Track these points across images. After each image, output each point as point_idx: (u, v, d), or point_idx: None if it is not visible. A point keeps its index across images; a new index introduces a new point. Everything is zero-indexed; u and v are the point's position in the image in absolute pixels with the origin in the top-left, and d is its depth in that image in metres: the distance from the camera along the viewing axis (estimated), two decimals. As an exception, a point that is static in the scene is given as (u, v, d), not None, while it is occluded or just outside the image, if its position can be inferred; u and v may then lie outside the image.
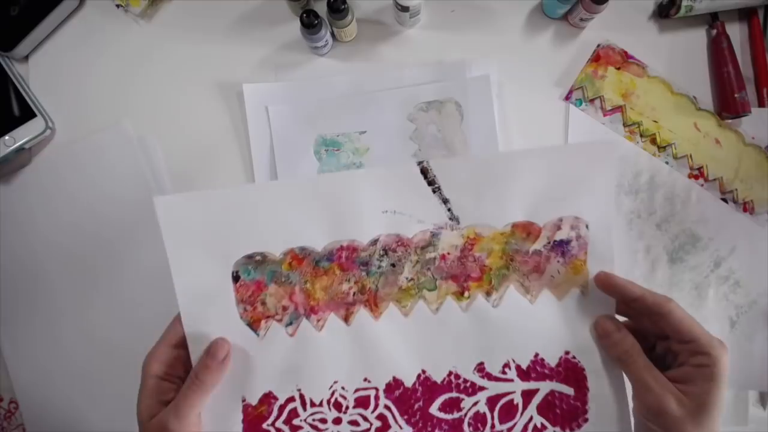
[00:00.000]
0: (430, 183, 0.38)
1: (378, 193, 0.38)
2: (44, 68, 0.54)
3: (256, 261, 0.38)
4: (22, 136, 0.51)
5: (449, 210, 0.39)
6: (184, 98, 0.54)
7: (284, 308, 0.39)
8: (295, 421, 0.39)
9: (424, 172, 0.38)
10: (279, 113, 0.52)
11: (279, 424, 0.39)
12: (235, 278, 0.38)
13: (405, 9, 0.49)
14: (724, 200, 0.53)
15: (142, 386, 0.37)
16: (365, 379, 0.40)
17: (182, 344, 0.38)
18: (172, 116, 0.54)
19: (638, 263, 0.52)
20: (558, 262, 0.39)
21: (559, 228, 0.39)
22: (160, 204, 0.37)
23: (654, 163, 0.53)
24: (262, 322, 0.39)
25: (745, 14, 0.53)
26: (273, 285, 0.39)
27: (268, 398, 0.39)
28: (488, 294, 0.40)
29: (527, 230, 0.39)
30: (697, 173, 0.53)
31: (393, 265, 0.39)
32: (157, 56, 0.54)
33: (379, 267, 0.39)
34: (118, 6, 0.53)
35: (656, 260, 0.52)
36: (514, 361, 0.40)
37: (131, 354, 0.52)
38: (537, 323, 0.40)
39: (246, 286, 0.38)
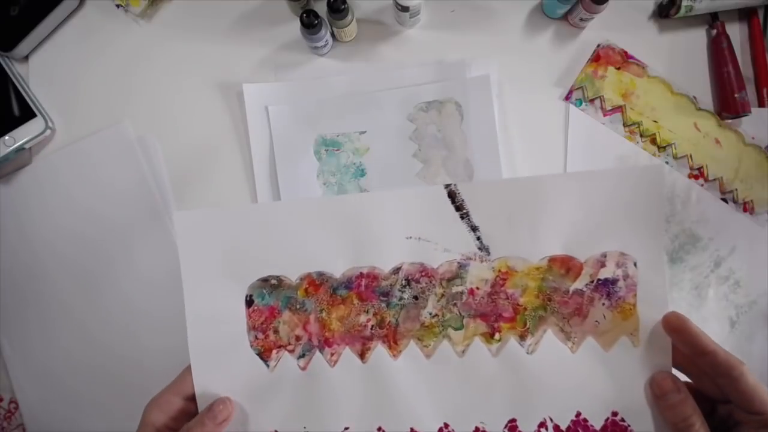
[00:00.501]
0: (458, 208, 0.35)
1: (402, 217, 0.35)
2: (44, 68, 0.54)
3: (271, 285, 0.36)
4: (22, 136, 0.51)
5: (478, 239, 0.35)
6: (184, 98, 0.54)
7: (297, 338, 0.36)
8: None
9: (452, 195, 0.35)
10: (279, 113, 0.52)
11: None
12: (249, 302, 0.36)
13: (405, 9, 0.49)
14: (724, 200, 0.53)
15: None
16: (379, 429, 0.36)
17: (191, 396, 0.35)
18: (172, 116, 0.54)
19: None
20: (603, 305, 0.35)
21: (603, 265, 0.35)
22: (178, 219, 0.35)
23: (654, 163, 0.53)
24: (274, 352, 0.36)
25: (745, 14, 0.53)
26: (287, 312, 0.36)
27: None
28: (522, 338, 0.35)
29: (566, 266, 0.35)
30: (697, 173, 0.53)
31: (416, 298, 0.36)
32: (157, 56, 0.54)
33: (401, 299, 0.36)
34: (118, 6, 0.54)
35: (656, 260, 0.52)
36: (551, 419, 0.35)
37: (131, 354, 0.52)
38: (579, 376, 0.35)
39: (259, 312, 0.36)
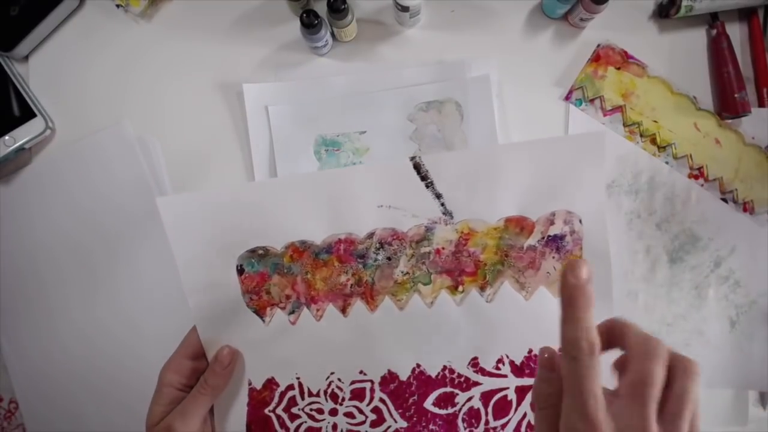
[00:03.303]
0: (423, 178, 0.39)
1: (373, 188, 0.39)
2: (44, 68, 0.54)
3: (258, 255, 0.40)
4: (22, 136, 0.51)
5: (442, 205, 0.39)
6: (184, 98, 0.54)
7: (287, 297, 0.40)
8: (294, 410, 0.40)
9: (417, 167, 0.39)
10: (279, 113, 0.52)
11: (279, 410, 0.40)
12: (240, 271, 0.39)
13: (405, 9, 0.49)
14: (724, 200, 0.53)
15: (157, 394, 0.38)
16: (361, 372, 0.40)
17: (197, 356, 0.39)
18: (172, 116, 0.54)
19: (638, 263, 0.52)
20: (553, 258, 0.39)
21: (552, 223, 0.39)
22: (162, 204, 0.38)
23: (654, 163, 0.53)
24: (268, 309, 0.40)
25: (745, 14, 0.53)
26: (276, 276, 0.40)
27: (270, 384, 0.40)
28: (482, 289, 0.40)
29: (520, 225, 0.39)
30: (697, 173, 0.53)
31: (389, 259, 0.40)
32: (157, 56, 0.54)
33: (376, 260, 0.40)
34: (118, 6, 0.53)
35: (656, 260, 0.52)
36: (507, 356, 0.40)
37: (131, 353, 0.52)
38: (532, 320, 0.40)
39: (251, 278, 0.40)
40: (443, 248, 0.40)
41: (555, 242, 0.39)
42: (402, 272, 0.40)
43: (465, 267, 0.40)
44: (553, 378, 0.31)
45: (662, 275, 0.52)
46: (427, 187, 0.39)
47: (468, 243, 0.40)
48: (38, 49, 0.54)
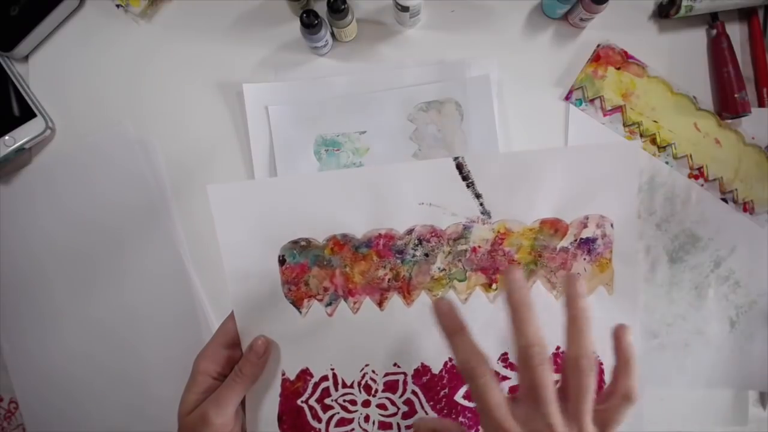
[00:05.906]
0: (465, 178, 0.40)
1: (415, 186, 0.40)
2: (44, 68, 0.54)
3: (301, 246, 0.41)
4: (22, 136, 0.51)
5: (481, 204, 0.40)
6: (185, 98, 0.54)
7: (325, 289, 0.41)
8: (327, 401, 0.41)
9: (460, 167, 0.40)
10: (279, 113, 0.52)
11: (312, 401, 0.41)
12: (281, 261, 0.40)
13: (405, 9, 0.49)
14: (724, 200, 0.53)
15: (191, 382, 0.38)
16: (395, 364, 0.41)
17: (233, 345, 0.40)
18: (172, 116, 0.54)
19: (638, 263, 0.52)
20: (584, 260, 0.41)
21: (585, 226, 0.40)
22: (212, 192, 0.39)
23: (654, 163, 0.53)
24: (305, 300, 0.41)
25: (745, 14, 0.53)
26: (316, 268, 0.41)
27: (304, 374, 0.41)
28: None
29: (555, 227, 0.40)
30: (697, 173, 0.53)
31: (426, 255, 0.41)
32: (157, 56, 0.54)
33: (414, 256, 0.41)
34: (118, 6, 0.54)
35: (656, 260, 0.52)
36: None
37: (132, 353, 0.53)
38: (560, 318, 0.41)
39: (291, 269, 0.41)
40: (479, 247, 0.41)
41: (587, 245, 0.40)
42: (439, 268, 0.41)
43: (499, 265, 0.41)
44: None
45: (662, 275, 0.52)
46: (468, 186, 0.40)
47: (504, 242, 0.41)
48: (38, 49, 0.54)
